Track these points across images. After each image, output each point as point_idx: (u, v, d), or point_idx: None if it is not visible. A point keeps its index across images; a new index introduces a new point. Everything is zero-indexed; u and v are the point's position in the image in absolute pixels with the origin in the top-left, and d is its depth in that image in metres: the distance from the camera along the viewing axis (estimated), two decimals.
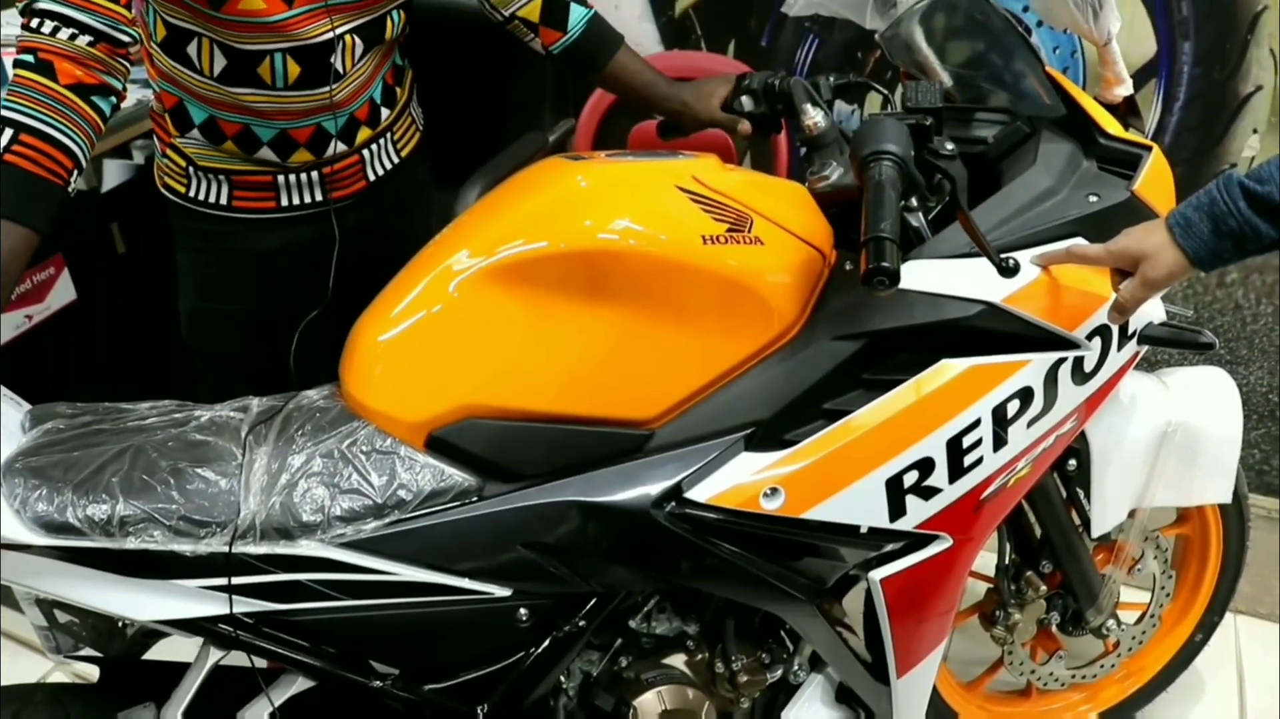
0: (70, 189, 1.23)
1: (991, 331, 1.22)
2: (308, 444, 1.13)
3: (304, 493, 1.09)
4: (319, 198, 1.57)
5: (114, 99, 1.25)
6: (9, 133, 1.17)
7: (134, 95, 2.27)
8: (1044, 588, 1.60)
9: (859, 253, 1.03)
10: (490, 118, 2.15)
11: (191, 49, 1.40)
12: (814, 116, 1.36)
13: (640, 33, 2.13)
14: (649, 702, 1.31)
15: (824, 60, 2.03)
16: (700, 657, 1.37)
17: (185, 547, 1.07)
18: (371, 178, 1.61)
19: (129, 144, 2.44)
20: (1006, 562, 1.59)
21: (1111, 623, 1.65)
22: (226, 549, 1.07)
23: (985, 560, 1.49)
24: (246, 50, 1.38)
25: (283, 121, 1.47)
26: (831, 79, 1.46)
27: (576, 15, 1.55)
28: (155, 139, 1.58)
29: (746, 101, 1.51)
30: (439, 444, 1.13)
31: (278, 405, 1.20)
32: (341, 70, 1.44)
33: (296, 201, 1.56)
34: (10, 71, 1.21)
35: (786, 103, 1.45)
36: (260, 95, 1.42)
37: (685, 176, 1.18)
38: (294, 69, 1.41)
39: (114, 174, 2.55)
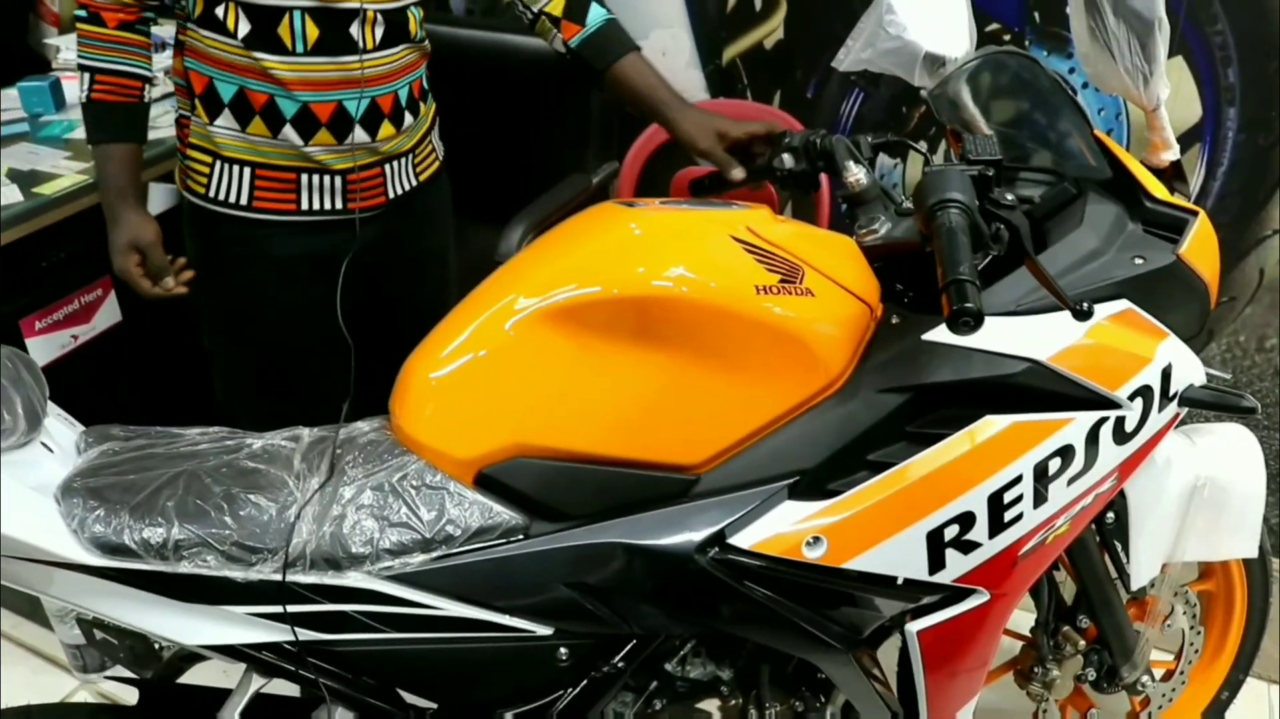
0: (147, 100, 1.61)
1: (1035, 389, 1.23)
2: (359, 476, 1.14)
3: (354, 524, 1.11)
4: (339, 205, 1.62)
5: (149, 27, 1.59)
6: (88, 78, 1.56)
7: (170, 127, 2.32)
8: (1081, 643, 1.59)
9: (938, 296, 1.04)
10: (535, 159, 2.19)
11: (219, 10, 1.51)
12: (856, 173, 1.38)
13: (687, 80, 2.17)
14: None
15: (868, 114, 2.05)
16: (734, 702, 1.37)
17: (237, 573, 1.09)
18: (391, 194, 1.67)
19: (174, 171, 2.48)
20: (1045, 616, 1.59)
21: (1145, 679, 1.65)
22: (279, 577, 1.09)
23: (1017, 618, 1.49)
24: (267, 7, 1.49)
25: (305, 93, 1.54)
26: (871, 138, 1.48)
27: (596, 14, 1.65)
28: (179, 145, 1.69)
29: (788, 159, 1.52)
30: (488, 482, 1.15)
31: (328, 436, 1.21)
32: (360, 41, 1.53)
33: (317, 206, 1.62)
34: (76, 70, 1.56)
35: (828, 160, 1.47)
36: (282, 62, 1.52)
37: (739, 227, 1.20)
38: (313, 30, 1.51)
39: (159, 199, 2.59)
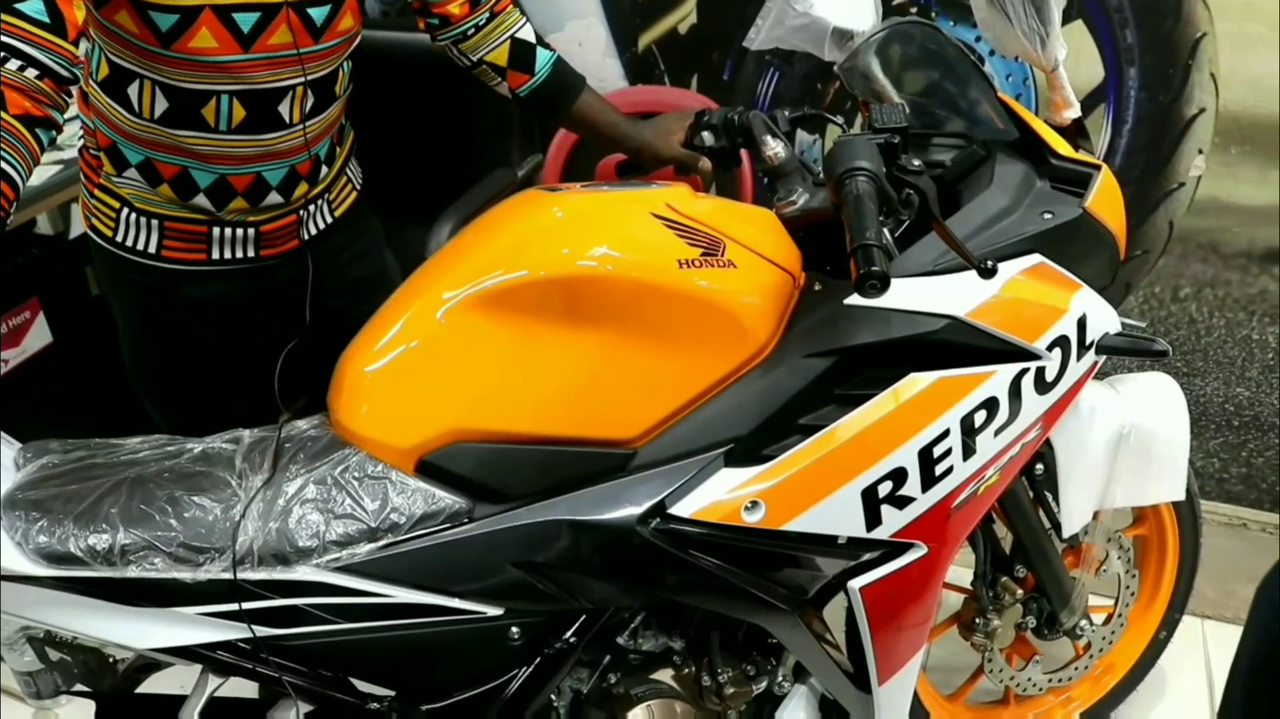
0: (9, 219, 1.19)
1: (957, 345, 1.27)
2: (301, 472, 1.16)
3: (299, 519, 1.13)
4: (251, 253, 1.55)
5: (54, 132, 1.24)
6: None
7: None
8: (1020, 592, 1.64)
9: (846, 262, 1.07)
10: (459, 155, 2.20)
11: (132, 90, 1.39)
12: (774, 147, 1.41)
13: (604, 68, 2.19)
14: (639, 716, 1.34)
15: (785, 92, 2.09)
16: (687, 670, 1.40)
17: (186, 574, 1.10)
18: (305, 236, 1.60)
19: None
20: (983, 568, 1.64)
21: (1084, 624, 1.70)
22: (228, 575, 1.10)
23: (956, 573, 1.53)
24: (192, 90, 1.37)
25: (223, 166, 1.45)
26: (788, 112, 1.51)
27: (543, 59, 1.59)
28: (83, 179, 1.55)
29: (707, 136, 1.56)
30: (429, 468, 1.17)
31: (268, 436, 1.23)
32: (289, 118, 1.45)
33: (228, 256, 1.54)
34: None
35: (747, 136, 1.50)
36: (202, 139, 1.42)
37: (659, 204, 1.23)
38: (239, 112, 1.40)
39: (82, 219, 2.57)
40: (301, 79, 1.42)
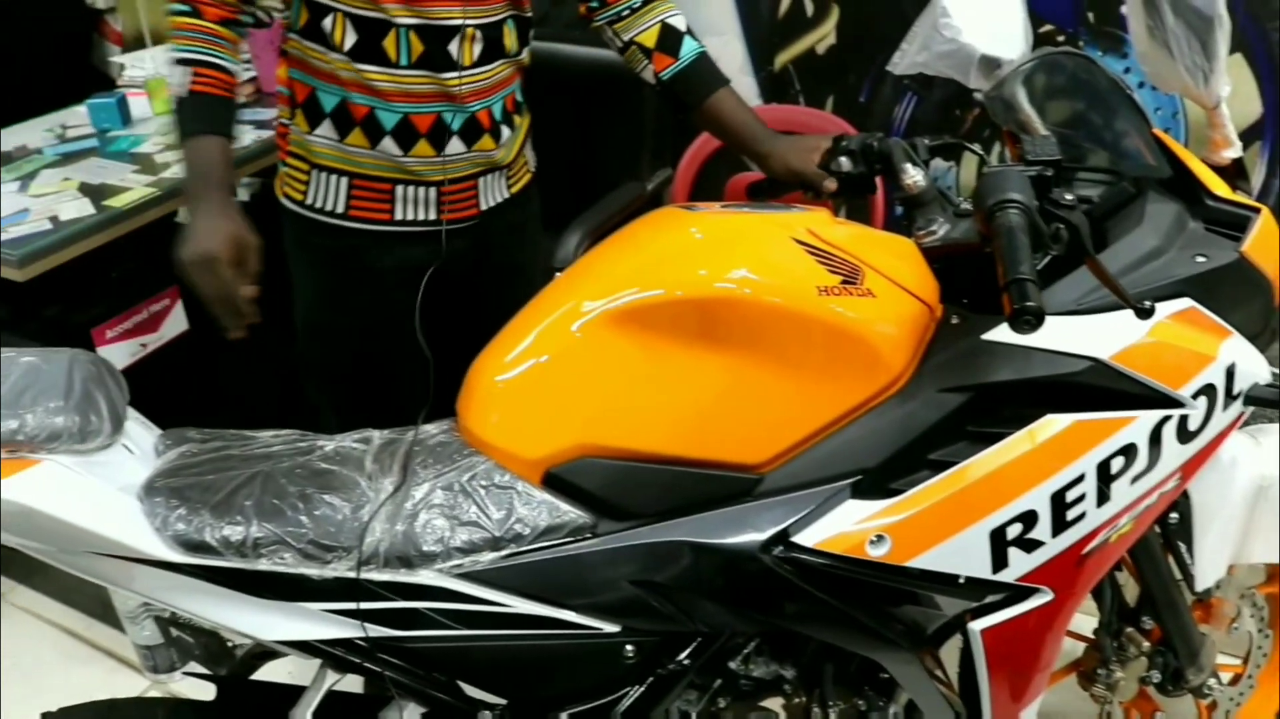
0: (238, 100, 1.55)
1: (1098, 388, 1.23)
2: (429, 477, 1.17)
3: (425, 523, 1.14)
4: (432, 216, 1.66)
5: (243, 28, 1.55)
6: (186, 71, 1.49)
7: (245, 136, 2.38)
8: (1145, 644, 1.58)
9: (993, 296, 1.05)
10: (589, 168, 2.21)
11: (326, 23, 1.54)
12: (914, 176, 1.39)
13: (740, 86, 2.17)
14: None
15: (921, 117, 2.06)
16: (797, 700, 1.38)
17: (312, 570, 1.11)
18: (484, 206, 1.70)
19: (234, 185, 2.54)
20: (1108, 617, 1.58)
21: (1212, 682, 1.63)
22: (352, 574, 1.11)
23: (1079, 620, 1.48)
24: (374, 20, 1.52)
25: (405, 104, 1.57)
26: (928, 140, 1.49)
27: (689, 46, 1.66)
28: (278, 154, 1.71)
29: (844, 162, 1.54)
30: (555, 481, 1.17)
31: (398, 438, 1.24)
32: (458, 58, 1.56)
33: (411, 216, 1.65)
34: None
35: (885, 163, 1.47)
36: (385, 74, 1.55)
37: (799, 229, 1.22)
38: (417, 46, 1.53)
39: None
40: (468, 20, 1.55)
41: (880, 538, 1.20)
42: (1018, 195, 1.11)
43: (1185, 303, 1.26)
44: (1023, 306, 1.02)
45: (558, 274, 1.35)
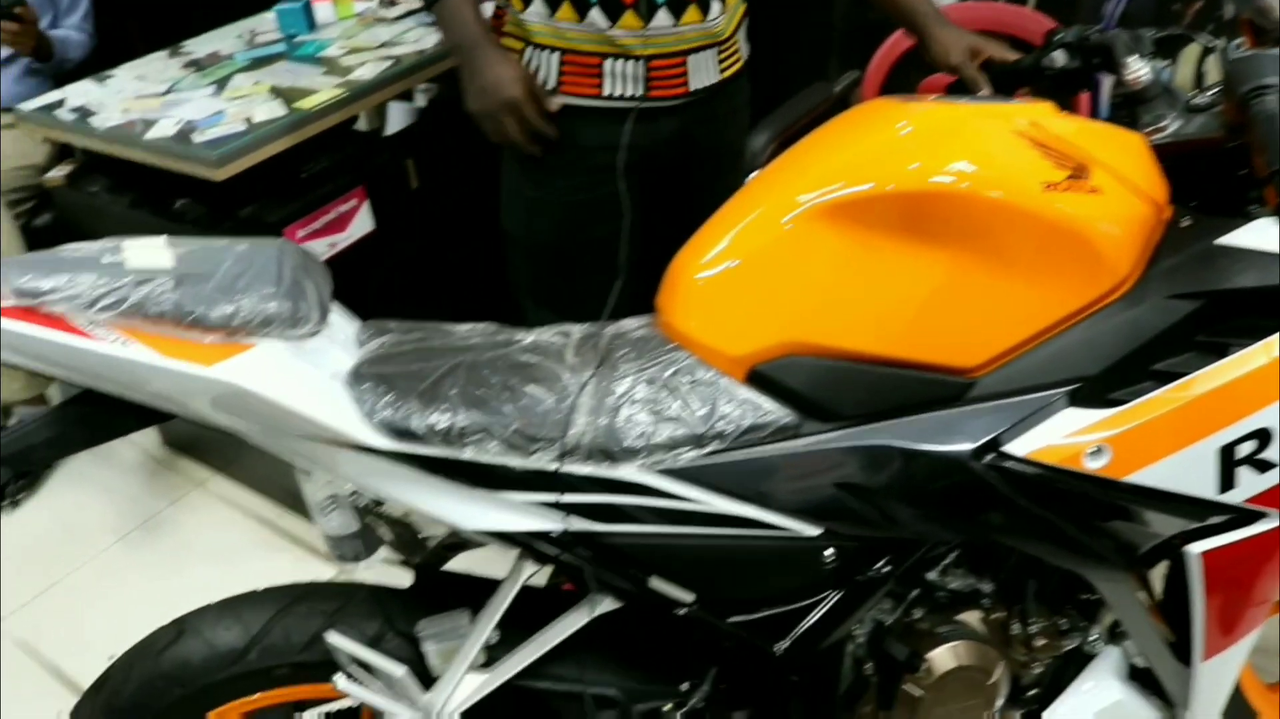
0: None
1: None
2: (631, 371, 1.15)
3: (627, 418, 1.12)
4: (640, 92, 1.66)
5: None
6: None
7: (413, 45, 2.39)
8: None
9: (1264, 188, 0.97)
10: (777, 69, 2.15)
11: None
12: (1138, 69, 1.30)
13: None
14: (942, 656, 1.29)
15: (1136, 13, 1.92)
16: (995, 615, 1.34)
17: (515, 461, 1.11)
18: (693, 86, 1.69)
19: (412, 90, 2.57)
20: None
21: None
22: (555, 467, 1.11)
23: None
24: None
25: None
26: (1152, 32, 1.38)
27: None
28: (496, 34, 1.72)
29: (1059, 56, 1.46)
30: (760, 379, 1.14)
31: (597, 332, 1.23)
32: None
33: (619, 92, 1.66)
34: None
35: (1104, 56, 1.38)
36: None
37: (1022, 122, 1.14)
38: None
39: (397, 117, 2.69)
40: None
41: (1099, 450, 1.13)
42: (1275, 79, 1.02)
43: None
44: None
45: (751, 175, 1.31)
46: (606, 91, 1.66)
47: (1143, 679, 1.41)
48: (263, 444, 1.16)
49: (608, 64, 1.65)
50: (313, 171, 2.21)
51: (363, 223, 2.24)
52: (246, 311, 1.09)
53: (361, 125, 2.64)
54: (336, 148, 2.29)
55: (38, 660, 2.35)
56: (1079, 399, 1.15)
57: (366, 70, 2.33)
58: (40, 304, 1.03)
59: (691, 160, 1.74)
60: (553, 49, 1.65)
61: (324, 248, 2.21)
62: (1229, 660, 1.34)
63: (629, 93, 1.66)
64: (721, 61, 1.72)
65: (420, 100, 2.72)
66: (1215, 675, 1.35)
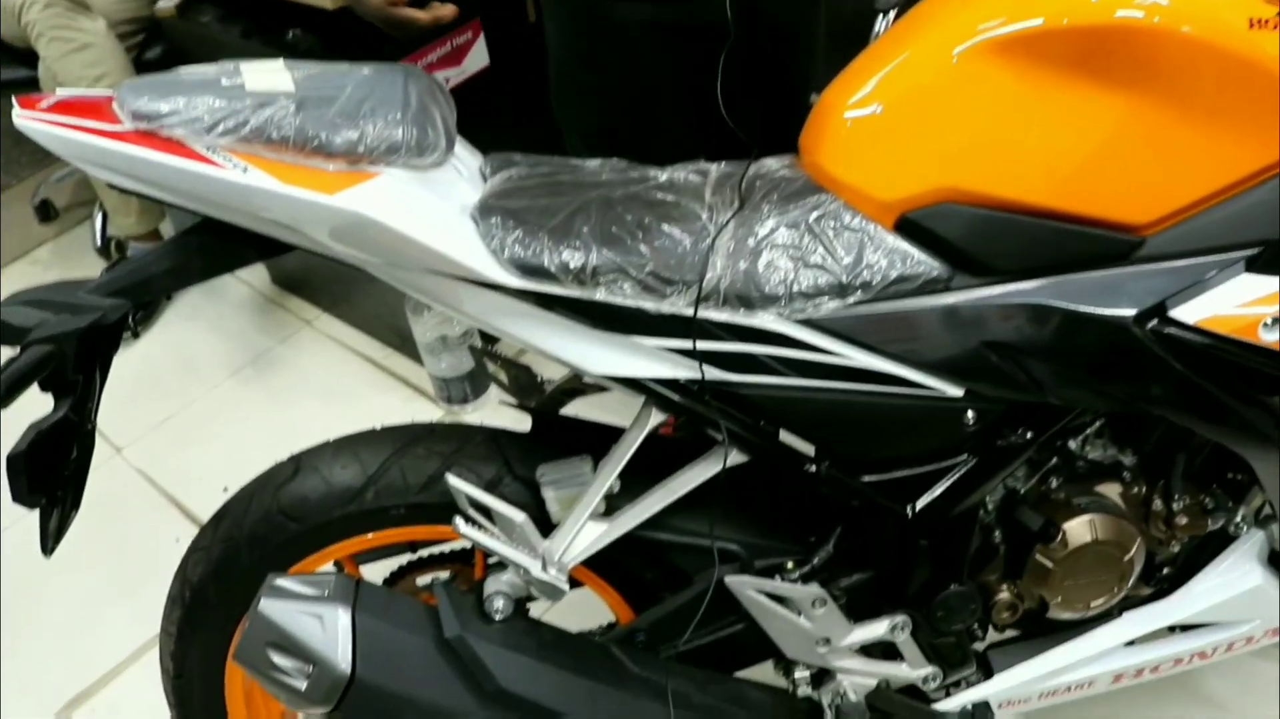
0: None
1: None
2: (773, 213, 1.08)
3: (768, 263, 1.06)
4: None
5: None
6: None
7: None
8: None
9: None
10: None
11: None
12: None
13: None
14: (1079, 528, 1.24)
15: None
16: (1136, 489, 1.27)
17: (649, 304, 1.06)
18: None
19: None
20: None
21: None
22: (690, 311, 1.06)
23: None
24: None
25: None
26: None
27: None
28: None
29: None
30: (910, 227, 1.06)
31: (736, 170, 1.16)
32: None
33: None
34: None
35: None
36: None
37: None
38: None
39: None
40: None
41: (1276, 321, 1.05)
42: None
43: None
44: None
45: (884, 17, 1.21)
46: None
47: None
48: (386, 278, 1.13)
49: None
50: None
51: (478, 57, 2.17)
52: (371, 138, 1.04)
53: None
54: None
55: (156, 488, 2.42)
56: (1258, 265, 1.06)
57: None
58: (159, 128, 1.00)
59: (747, 37, 1.59)
60: None
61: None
62: None
63: None
64: None
65: None
66: None
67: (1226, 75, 0.99)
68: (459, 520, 1.18)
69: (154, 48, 2.85)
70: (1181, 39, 0.98)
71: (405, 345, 2.55)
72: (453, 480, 1.18)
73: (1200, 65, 0.99)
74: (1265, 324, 1.05)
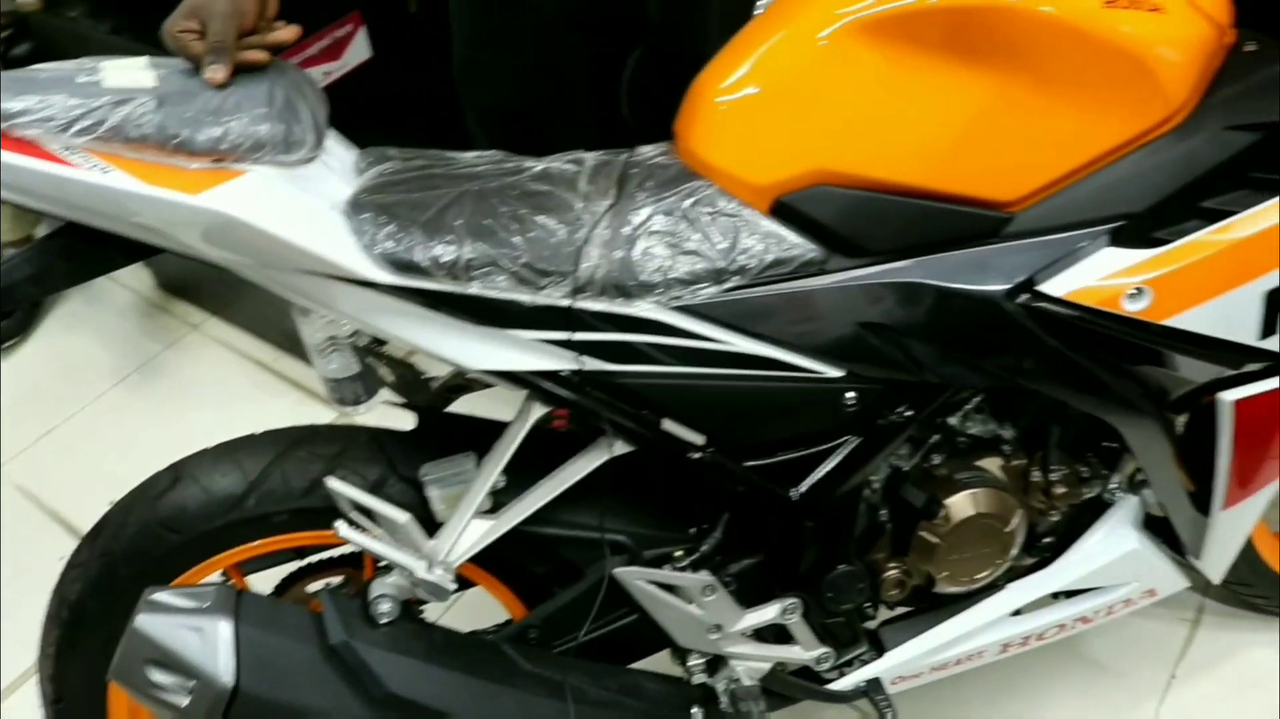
0: None
1: None
2: (648, 200, 1.08)
3: (644, 250, 1.05)
4: None
5: None
6: None
7: None
8: None
9: None
10: None
11: None
12: None
13: None
14: (960, 502, 1.26)
15: None
16: (1016, 462, 1.30)
17: (525, 296, 1.05)
18: None
19: None
20: None
21: None
22: (567, 302, 1.05)
23: None
24: None
25: None
26: None
27: None
28: None
29: None
30: (785, 210, 1.07)
31: (612, 159, 1.15)
32: None
33: None
34: None
35: None
36: None
37: None
38: None
39: None
40: None
41: (1139, 291, 1.08)
42: None
43: None
44: None
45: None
46: None
47: (1157, 528, 1.39)
48: (257, 279, 1.10)
49: None
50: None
51: (359, 50, 2.12)
52: (236, 134, 1.01)
53: None
54: None
55: (38, 505, 2.33)
56: (1121, 238, 1.09)
57: None
58: (10, 128, 0.95)
59: (651, 6, 1.60)
60: None
61: (318, 77, 2.09)
62: (1247, 511, 1.32)
63: None
64: None
65: None
66: (1231, 525, 1.33)
67: (1085, 53, 1.02)
68: (340, 524, 1.16)
69: (21, 45, 2.74)
70: (1042, 18, 1.00)
71: (295, 347, 2.48)
72: (333, 484, 1.16)
73: (1060, 44, 1.01)
74: (1128, 295, 1.08)
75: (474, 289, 1.05)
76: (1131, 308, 1.08)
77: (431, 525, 1.20)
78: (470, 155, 1.19)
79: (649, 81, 1.63)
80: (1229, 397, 1.18)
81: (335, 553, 1.39)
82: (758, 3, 1.23)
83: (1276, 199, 1.08)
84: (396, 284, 1.05)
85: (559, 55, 1.60)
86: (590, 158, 1.16)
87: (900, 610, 1.41)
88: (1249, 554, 1.56)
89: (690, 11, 1.67)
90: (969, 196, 1.06)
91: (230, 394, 2.52)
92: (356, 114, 2.15)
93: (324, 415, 2.33)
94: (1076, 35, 1.00)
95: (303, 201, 1.04)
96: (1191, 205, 1.09)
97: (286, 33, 1.08)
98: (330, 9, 2.13)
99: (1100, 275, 1.08)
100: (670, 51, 1.63)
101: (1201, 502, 1.31)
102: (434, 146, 1.22)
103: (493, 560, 1.25)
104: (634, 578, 1.23)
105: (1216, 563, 1.38)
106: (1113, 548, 1.38)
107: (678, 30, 1.66)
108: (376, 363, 1.41)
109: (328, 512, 1.19)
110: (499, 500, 1.21)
